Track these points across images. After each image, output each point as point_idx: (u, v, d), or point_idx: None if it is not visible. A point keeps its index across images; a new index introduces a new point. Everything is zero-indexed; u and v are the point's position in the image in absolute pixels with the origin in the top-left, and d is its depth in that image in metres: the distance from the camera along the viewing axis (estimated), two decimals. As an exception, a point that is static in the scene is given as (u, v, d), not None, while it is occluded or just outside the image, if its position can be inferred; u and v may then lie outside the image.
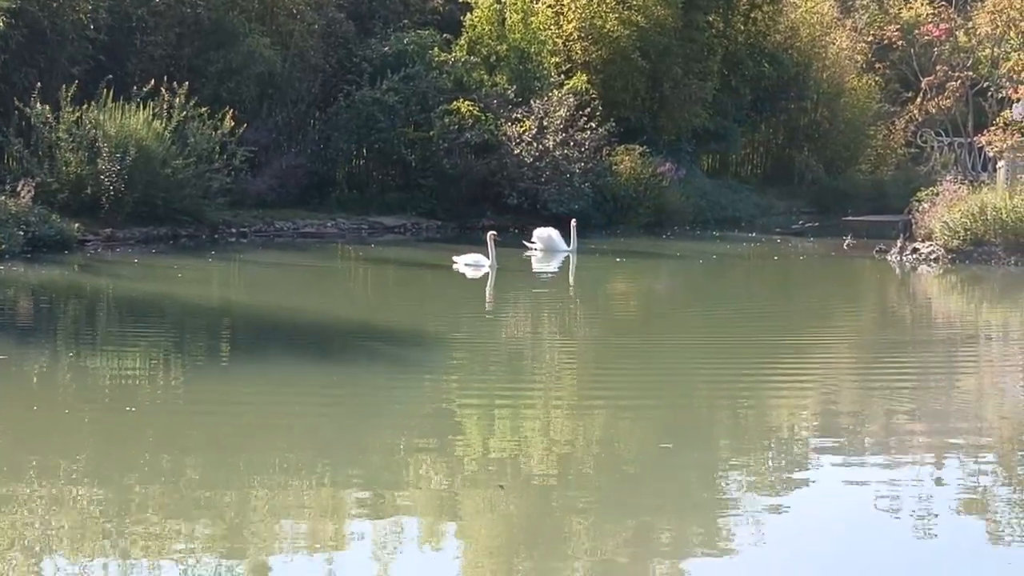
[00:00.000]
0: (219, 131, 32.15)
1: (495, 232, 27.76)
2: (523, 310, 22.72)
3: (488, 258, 26.76)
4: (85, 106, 30.64)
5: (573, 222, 31.78)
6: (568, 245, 31.31)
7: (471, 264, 27.00)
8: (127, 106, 30.76)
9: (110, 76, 31.65)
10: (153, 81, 31.58)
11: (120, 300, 22.28)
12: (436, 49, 39.91)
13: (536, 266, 29.87)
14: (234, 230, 33.77)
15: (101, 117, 30.42)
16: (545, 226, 32.66)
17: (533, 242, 31.69)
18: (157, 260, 28.00)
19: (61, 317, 20.36)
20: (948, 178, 35.53)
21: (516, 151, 38.15)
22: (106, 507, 9.23)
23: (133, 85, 31.70)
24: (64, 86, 30.54)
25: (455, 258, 27.46)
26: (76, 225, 29.06)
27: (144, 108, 30.83)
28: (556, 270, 29.33)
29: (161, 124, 30.95)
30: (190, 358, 16.13)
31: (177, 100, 31.35)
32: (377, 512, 9.32)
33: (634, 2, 43.70)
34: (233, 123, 32.23)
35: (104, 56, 33.77)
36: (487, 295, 24.21)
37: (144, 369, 15.23)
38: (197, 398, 13.51)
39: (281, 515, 9.23)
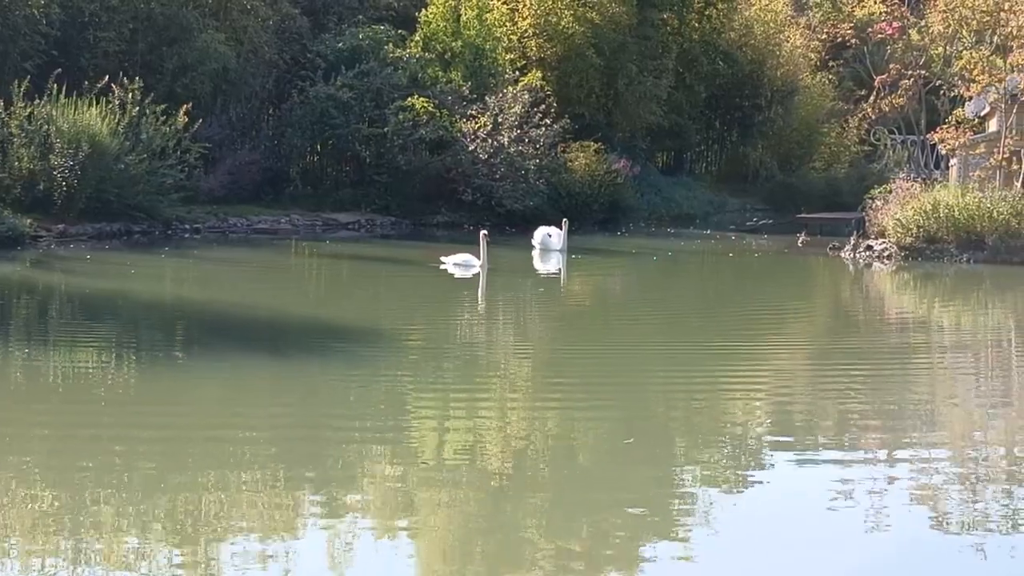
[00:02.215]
0: (173, 127, 32.02)
1: (487, 232, 27.04)
2: (495, 311, 22.61)
3: (479, 258, 26.17)
4: (37, 101, 30.43)
5: (564, 221, 31.73)
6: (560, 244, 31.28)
7: (460, 264, 26.30)
8: (80, 101, 30.60)
9: (59, 70, 31.41)
10: (108, 77, 31.42)
11: (73, 297, 22.12)
12: (391, 45, 39.89)
13: (536, 265, 29.79)
14: (188, 226, 33.64)
15: (54, 112, 30.23)
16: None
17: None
18: (110, 256, 27.84)
19: (13, 314, 20.19)
20: (901, 176, 35.82)
21: (471, 148, 38.17)
22: (58, 505, 9.17)
23: (86, 80, 31.52)
24: (16, 81, 30.33)
25: (443, 258, 26.82)
26: (28, 221, 28.90)
27: (97, 104, 30.67)
28: (554, 271, 29.14)
29: (114, 120, 30.79)
30: (143, 356, 16.03)
31: (130, 95, 31.20)
32: (331, 511, 9.30)
33: (589, -1, 43.85)
34: (187, 119, 32.10)
35: (57, 51, 33.58)
36: (478, 296, 23.90)
37: (97, 367, 15.12)
38: (150, 396, 13.44)
39: (234, 513, 9.19)
